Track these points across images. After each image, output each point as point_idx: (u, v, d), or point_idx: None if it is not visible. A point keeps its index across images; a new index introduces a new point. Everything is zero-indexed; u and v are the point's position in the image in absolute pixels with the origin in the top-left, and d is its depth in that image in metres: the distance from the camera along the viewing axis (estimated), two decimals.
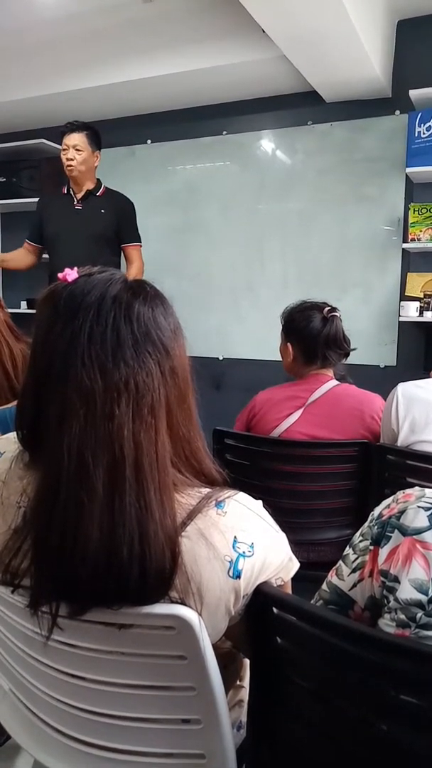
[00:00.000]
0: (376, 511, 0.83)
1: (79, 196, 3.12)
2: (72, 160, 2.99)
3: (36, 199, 3.78)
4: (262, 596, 0.77)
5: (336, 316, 1.85)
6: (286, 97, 3.35)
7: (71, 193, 3.14)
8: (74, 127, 3.00)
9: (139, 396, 0.71)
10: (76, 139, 2.98)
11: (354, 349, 1.90)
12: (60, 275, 0.77)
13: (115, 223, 3.11)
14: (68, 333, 0.71)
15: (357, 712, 0.73)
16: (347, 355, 1.90)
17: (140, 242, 3.19)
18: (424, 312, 2.97)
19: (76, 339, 0.71)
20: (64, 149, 3.01)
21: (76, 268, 0.78)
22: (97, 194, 3.14)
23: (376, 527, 0.80)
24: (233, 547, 0.74)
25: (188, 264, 3.66)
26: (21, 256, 3.28)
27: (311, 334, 1.83)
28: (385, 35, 2.92)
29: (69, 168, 3.02)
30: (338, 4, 2.27)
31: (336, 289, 3.20)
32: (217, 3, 2.91)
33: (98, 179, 3.15)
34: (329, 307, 1.86)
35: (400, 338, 3.19)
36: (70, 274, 0.77)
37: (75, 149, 2.98)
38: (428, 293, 3.01)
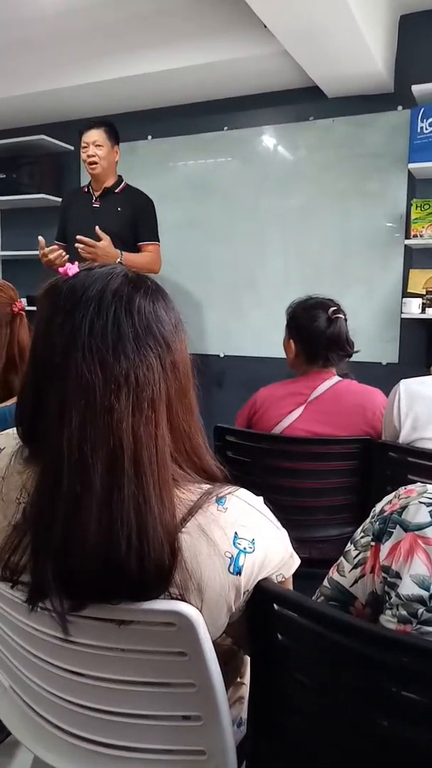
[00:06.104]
0: (378, 507, 0.83)
1: (97, 194, 3.08)
2: (94, 156, 2.94)
3: (36, 196, 3.79)
4: (263, 592, 0.77)
5: (340, 317, 1.83)
6: (288, 92, 3.33)
7: (90, 191, 3.11)
8: (92, 123, 2.96)
9: (139, 389, 0.71)
10: (96, 135, 2.93)
11: (357, 352, 1.89)
12: (61, 269, 0.77)
13: (132, 221, 3.05)
14: (69, 326, 0.71)
15: (358, 709, 0.73)
16: (349, 356, 1.88)
17: (157, 241, 3.12)
18: (427, 309, 2.95)
19: (76, 332, 0.70)
20: (84, 147, 2.95)
21: (76, 263, 0.78)
22: (116, 191, 3.09)
23: (377, 523, 0.80)
24: (234, 543, 0.74)
25: (189, 260, 3.65)
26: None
27: (314, 333, 1.82)
28: (387, 30, 2.91)
29: (92, 165, 2.96)
30: None
31: (338, 285, 3.18)
32: None
33: (119, 176, 3.11)
34: (335, 308, 1.85)
35: (402, 335, 3.18)
36: (71, 268, 0.77)
37: (95, 146, 2.93)
38: (430, 290, 3.00)
